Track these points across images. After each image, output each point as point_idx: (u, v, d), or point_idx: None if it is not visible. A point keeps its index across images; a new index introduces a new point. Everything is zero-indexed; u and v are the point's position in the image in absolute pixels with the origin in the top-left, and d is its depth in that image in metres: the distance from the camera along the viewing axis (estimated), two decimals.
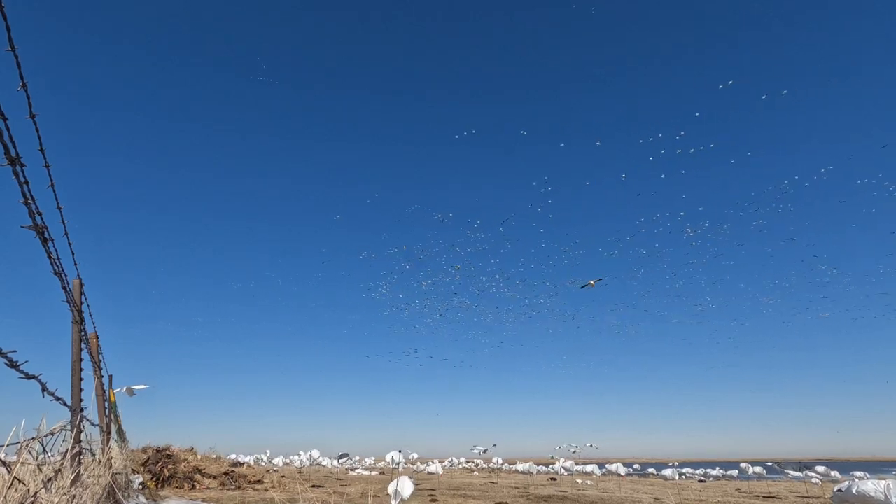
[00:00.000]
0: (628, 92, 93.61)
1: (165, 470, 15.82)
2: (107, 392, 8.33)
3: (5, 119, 1.79)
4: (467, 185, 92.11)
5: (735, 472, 30.90)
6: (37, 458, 2.97)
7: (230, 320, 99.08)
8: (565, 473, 29.02)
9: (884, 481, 8.13)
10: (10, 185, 2.10)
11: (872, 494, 7.93)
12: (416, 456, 36.30)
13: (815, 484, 20.40)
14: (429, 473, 27.08)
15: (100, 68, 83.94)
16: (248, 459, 33.75)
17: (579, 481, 26.14)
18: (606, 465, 30.32)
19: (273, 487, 16.92)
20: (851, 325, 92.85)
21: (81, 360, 4.41)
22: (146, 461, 16.07)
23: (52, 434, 3.18)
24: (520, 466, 29.36)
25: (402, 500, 7.77)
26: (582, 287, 13.79)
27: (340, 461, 35.99)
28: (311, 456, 29.20)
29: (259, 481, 17.91)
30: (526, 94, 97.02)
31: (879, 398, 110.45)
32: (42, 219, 2.50)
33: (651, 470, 38.47)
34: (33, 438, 2.74)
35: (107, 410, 8.06)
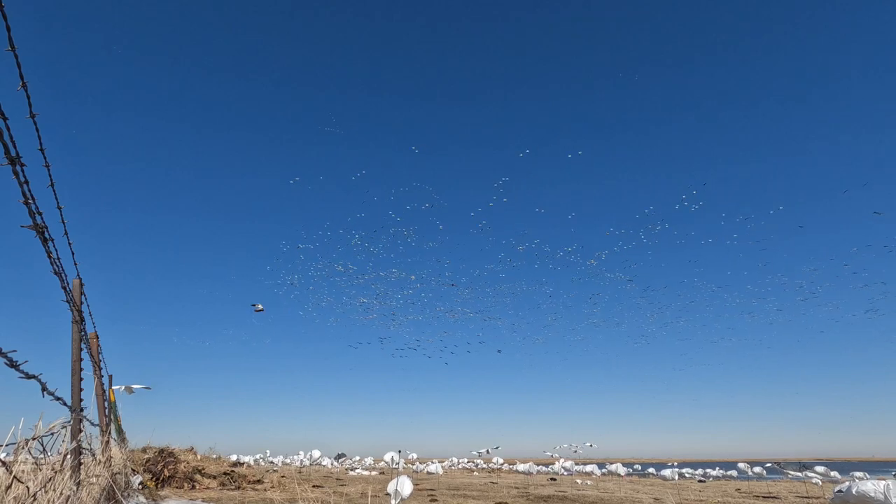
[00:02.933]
0: (627, 92, 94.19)
1: (165, 470, 15.81)
2: (107, 392, 8.33)
3: (5, 119, 1.79)
4: (464, 185, 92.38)
5: (735, 473, 30.89)
6: (36, 457, 2.97)
7: (230, 320, 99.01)
8: (565, 473, 29.02)
9: (884, 481, 8.13)
10: (10, 185, 2.10)
11: (872, 495, 7.93)
12: (415, 456, 36.28)
13: (815, 484, 20.39)
14: (428, 473, 27.07)
15: (100, 68, 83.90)
16: (248, 459, 33.77)
17: (579, 481, 26.15)
18: (606, 465, 30.31)
19: (273, 487, 16.92)
20: (852, 326, 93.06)
21: (81, 359, 4.41)
22: (146, 461, 16.06)
23: (51, 434, 3.18)
24: (520, 466, 29.36)
25: (402, 499, 7.77)
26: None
27: (339, 461, 35.97)
28: (311, 456, 29.20)
29: (259, 481, 17.91)
30: (524, 95, 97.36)
31: (879, 398, 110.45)
32: (42, 218, 2.50)
33: (651, 470, 38.45)
34: (32, 438, 2.74)
35: (106, 410, 8.06)
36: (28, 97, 2.03)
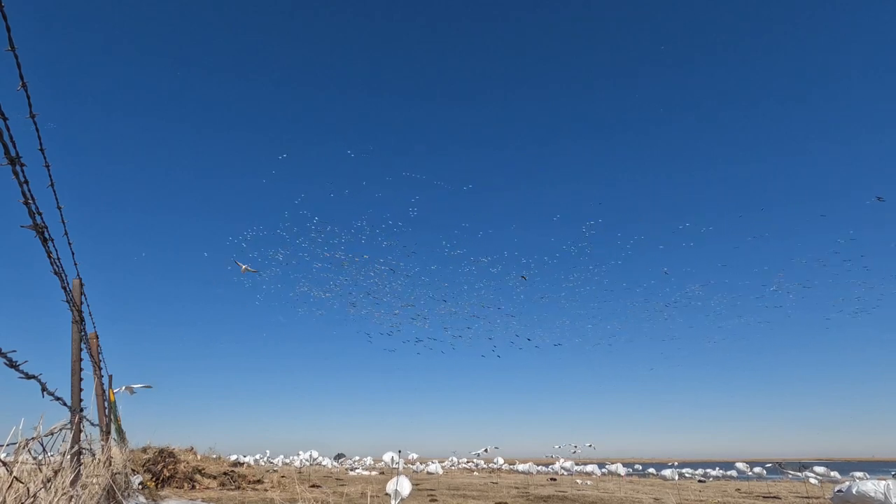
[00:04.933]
0: (627, 92, 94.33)
1: (165, 470, 15.81)
2: (106, 392, 8.33)
3: (5, 119, 1.78)
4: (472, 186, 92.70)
5: (734, 473, 30.90)
6: (36, 457, 2.97)
7: (230, 320, 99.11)
8: (565, 473, 29.00)
9: (884, 481, 8.13)
10: (10, 185, 2.10)
11: (872, 495, 7.93)
12: (415, 456, 36.29)
13: (815, 484, 20.38)
14: (428, 473, 27.08)
15: (100, 68, 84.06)
16: (248, 459, 33.77)
17: (579, 481, 26.15)
18: (606, 466, 30.30)
19: (273, 487, 16.92)
20: (851, 326, 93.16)
21: (81, 359, 4.40)
22: (146, 461, 16.05)
23: (51, 434, 3.17)
24: (520, 466, 29.38)
25: (402, 499, 7.77)
26: None
27: (339, 461, 35.97)
28: (311, 456, 29.22)
29: (259, 481, 17.91)
30: (524, 95, 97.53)
31: (879, 398, 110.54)
32: (42, 218, 2.50)
33: (651, 470, 38.45)
34: (33, 438, 2.73)
35: (106, 410, 8.05)
36: (28, 97, 2.03)
